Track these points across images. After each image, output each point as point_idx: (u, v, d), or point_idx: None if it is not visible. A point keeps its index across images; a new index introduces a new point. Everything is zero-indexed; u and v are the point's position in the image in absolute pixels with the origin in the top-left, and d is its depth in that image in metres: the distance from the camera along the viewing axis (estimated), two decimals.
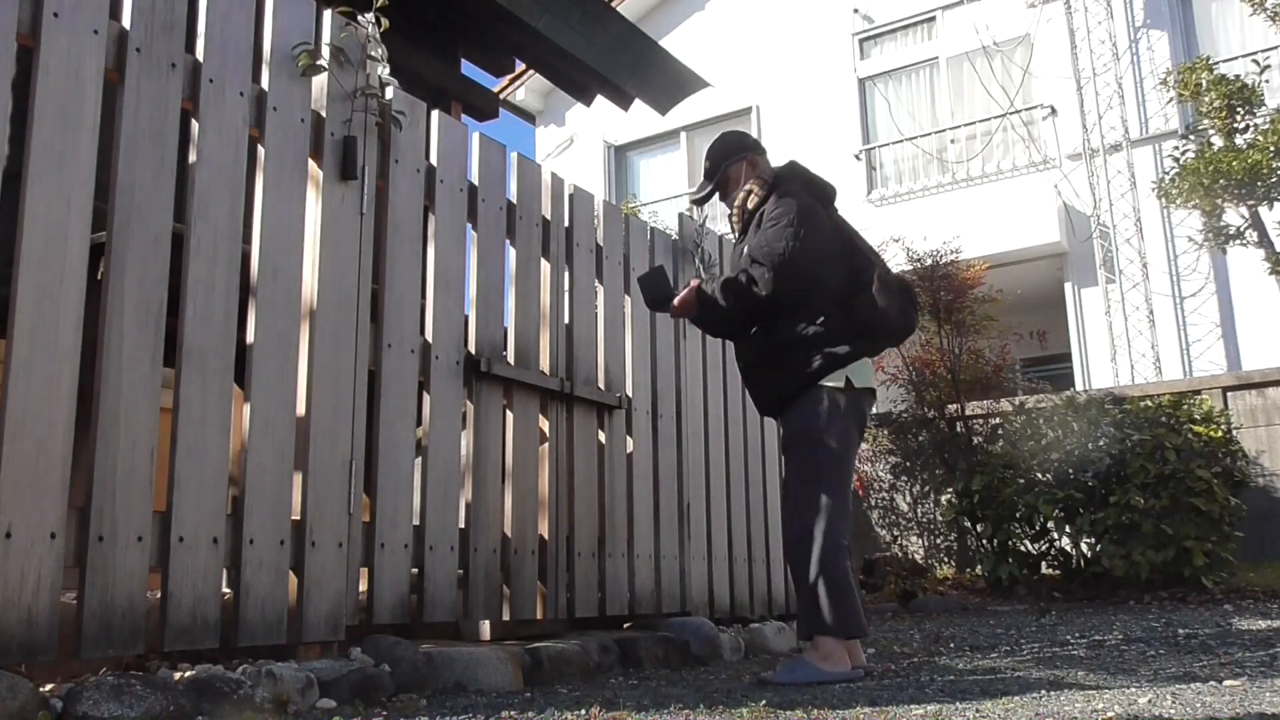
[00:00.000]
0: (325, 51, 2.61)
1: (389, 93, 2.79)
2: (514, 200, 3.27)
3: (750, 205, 3.21)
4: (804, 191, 3.16)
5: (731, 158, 3.31)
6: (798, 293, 3.01)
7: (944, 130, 11.30)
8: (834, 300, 3.05)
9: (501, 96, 12.65)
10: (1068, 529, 5.89)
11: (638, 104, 5.46)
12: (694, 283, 3.17)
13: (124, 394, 2.07)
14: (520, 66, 9.53)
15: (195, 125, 2.32)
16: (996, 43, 10.85)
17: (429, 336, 2.88)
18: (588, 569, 3.37)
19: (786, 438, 3.15)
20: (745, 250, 3.12)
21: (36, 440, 1.90)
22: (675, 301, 3.19)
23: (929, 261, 7.19)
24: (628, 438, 3.67)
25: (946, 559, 7.37)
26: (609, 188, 13.34)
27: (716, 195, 3.36)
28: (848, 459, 3.05)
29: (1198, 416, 5.85)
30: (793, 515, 3.05)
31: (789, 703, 2.37)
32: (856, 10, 11.92)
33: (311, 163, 2.58)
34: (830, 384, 3.02)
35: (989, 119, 10.95)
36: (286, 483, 2.39)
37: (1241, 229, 7.11)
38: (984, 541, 6.18)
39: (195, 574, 2.16)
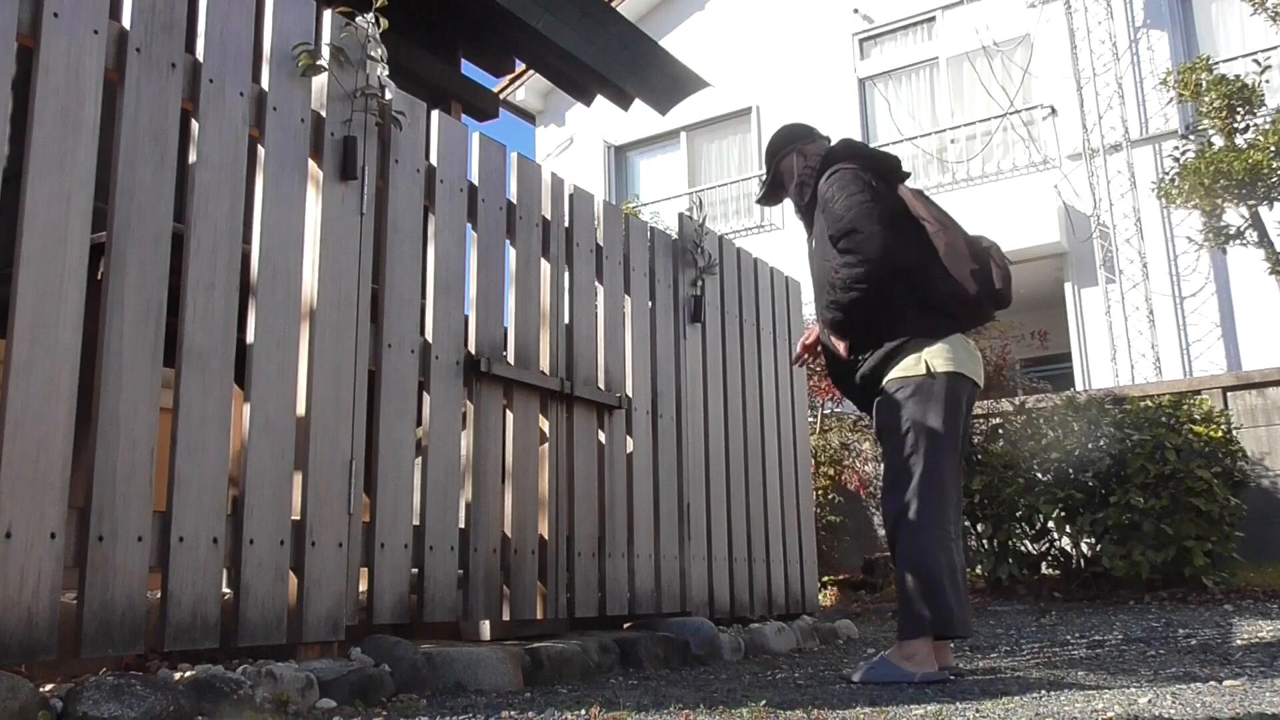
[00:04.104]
0: (325, 51, 2.61)
1: (389, 93, 2.79)
2: (514, 200, 3.27)
3: (805, 199, 3.19)
4: (855, 166, 3.09)
5: (781, 153, 3.30)
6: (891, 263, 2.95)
7: (944, 130, 11.30)
8: (904, 278, 2.97)
9: (501, 96, 12.66)
10: (1068, 529, 5.88)
11: (638, 104, 5.46)
12: (814, 332, 3.28)
13: (124, 394, 2.07)
14: (520, 66, 9.53)
15: (195, 125, 2.32)
16: (996, 43, 10.85)
17: (429, 336, 2.88)
18: (588, 569, 3.37)
19: (877, 433, 3.10)
20: (817, 243, 3.12)
21: (36, 440, 1.90)
22: (802, 350, 3.40)
23: None
24: (628, 438, 3.67)
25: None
26: (609, 188, 13.34)
27: (781, 194, 3.37)
28: (942, 449, 2.89)
29: (1198, 416, 5.85)
30: (885, 513, 2.97)
31: (789, 703, 2.37)
32: (856, 10, 11.92)
33: (311, 163, 2.58)
34: (905, 373, 2.94)
35: (989, 119, 10.95)
36: (286, 483, 2.39)
37: (1241, 229, 7.11)
38: (984, 541, 6.18)
39: (195, 574, 2.16)
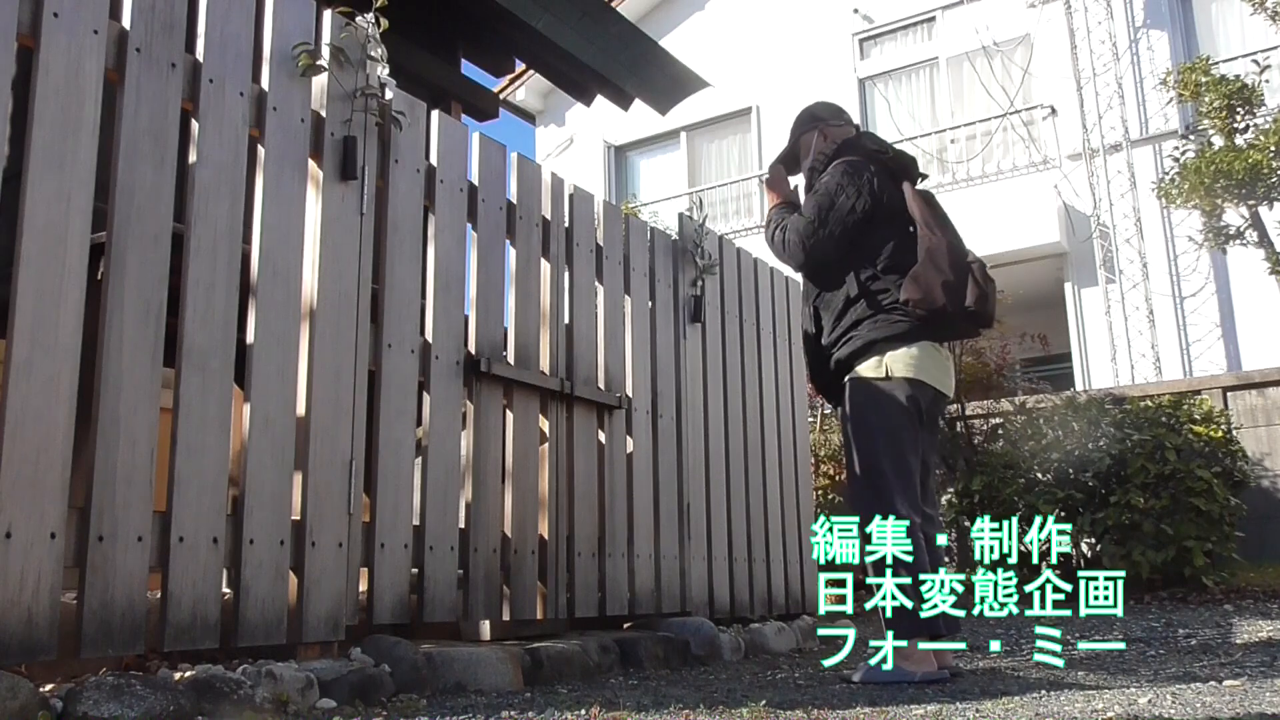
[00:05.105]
0: (325, 51, 2.61)
1: (389, 93, 2.79)
2: (514, 200, 3.27)
3: (811, 184, 3.23)
4: (863, 159, 3.12)
5: (806, 127, 3.34)
6: (832, 264, 3.04)
7: (944, 130, 11.29)
8: (890, 275, 3.00)
9: (501, 96, 12.64)
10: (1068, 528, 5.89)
11: (638, 104, 5.45)
12: (776, 202, 3.30)
13: (124, 394, 2.07)
14: (520, 66, 9.52)
15: (195, 125, 2.32)
16: (996, 43, 10.84)
17: (429, 336, 2.87)
18: (588, 569, 3.37)
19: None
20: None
21: (36, 440, 1.90)
22: (769, 185, 3.39)
23: None
24: (628, 438, 3.67)
25: (947, 559, 7.36)
26: (609, 188, 13.33)
27: (795, 165, 3.41)
28: (894, 450, 2.89)
29: (1198, 416, 5.85)
30: (852, 512, 2.93)
31: (789, 703, 2.37)
32: (856, 10, 11.91)
33: (311, 163, 2.58)
34: (864, 374, 2.96)
35: (989, 119, 10.95)
36: (286, 483, 2.39)
37: (1241, 229, 7.10)
38: None
39: (195, 574, 2.16)
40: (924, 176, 3.23)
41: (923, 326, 2.97)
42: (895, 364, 2.94)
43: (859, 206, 3.03)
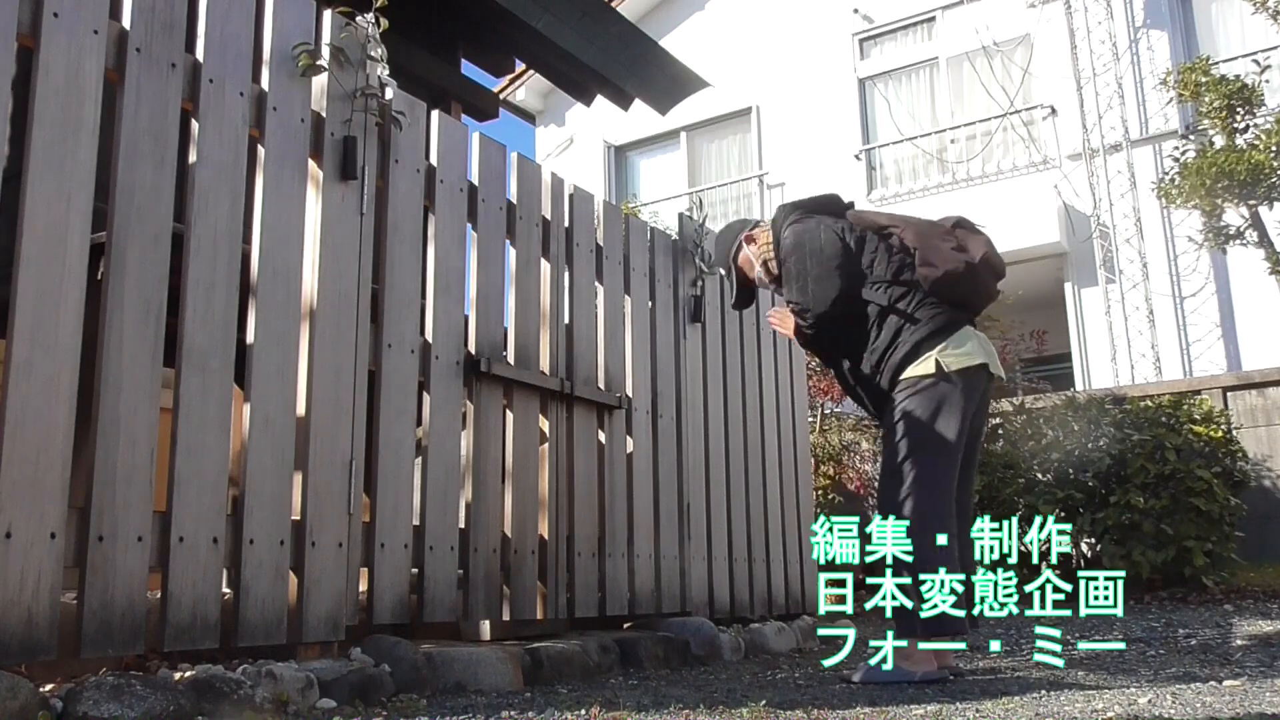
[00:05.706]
0: (325, 51, 2.61)
1: (389, 93, 2.79)
2: (514, 200, 3.27)
3: (777, 271, 3.21)
4: (801, 220, 3.12)
5: (733, 250, 3.33)
6: (848, 302, 3.00)
7: (944, 130, 11.29)
8: (897, 285, 2.98)
9: (501, 96, 12.64)
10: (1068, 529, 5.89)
11: (638, 104, 5.45)
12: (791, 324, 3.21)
13: (124, 394, 2.07)
14: (520, 66, 9.53)
15: (195, 125, 2.32)
16: (996, 43, 10.84)
17: (429, 336, 2.87)
18: (588, 569, 3.37)
19: (884, 431, 3.10)
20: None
21: (36, 440, 1.90)
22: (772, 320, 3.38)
23: None
24: (628, 438, 3.67)
25: None
26: (609, 188, 13.33)
27: (751, 293, 3.44)
28: (943, 449, 2.87)
29: (1198, 416, 5.85)
30: (880, 509, 2.93)
31: (789, 703, 2.37)
32: (856, 10, 11.91)
33: (311, 163, 2.58)
34: (917, 373, 2.92)
35: (989, 119, 10.94)
36: (286, 483, 2.39)
37: (1241, 229, 7.10)
38: None
39: (195, 574, 2.16)
40: (850, 205, 3.25)
41: (956, 310, 2.98)
42: (947, 358, 2.92)
43: (828, 239, 3.02)
